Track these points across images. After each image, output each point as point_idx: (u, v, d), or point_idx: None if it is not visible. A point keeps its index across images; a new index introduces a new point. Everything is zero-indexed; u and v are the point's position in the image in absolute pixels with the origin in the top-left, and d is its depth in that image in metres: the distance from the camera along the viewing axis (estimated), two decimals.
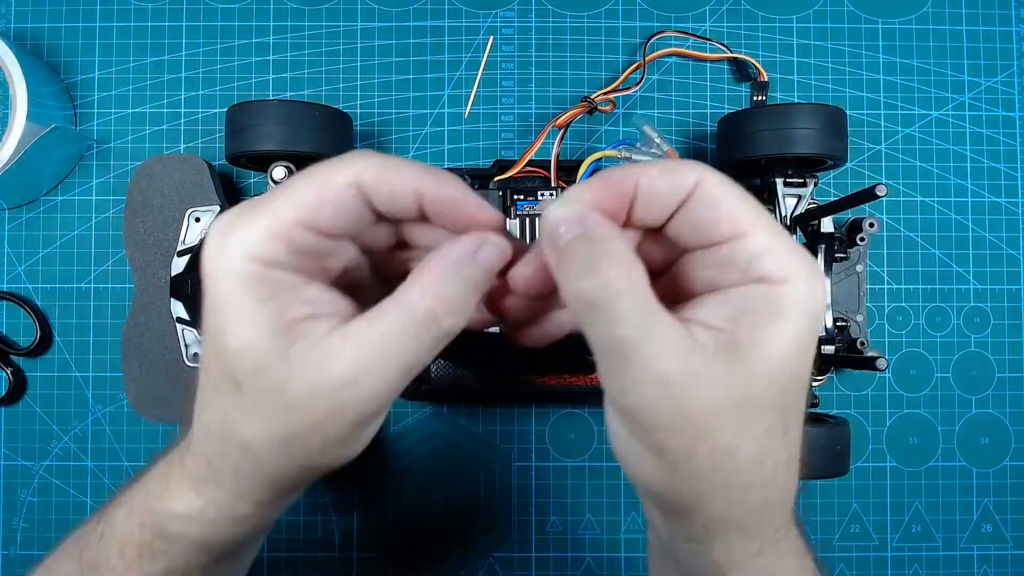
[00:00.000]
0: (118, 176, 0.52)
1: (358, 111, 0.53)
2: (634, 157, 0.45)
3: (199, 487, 0.26)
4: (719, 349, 0.23)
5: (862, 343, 0.49)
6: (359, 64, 0.53)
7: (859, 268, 0.50)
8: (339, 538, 0.51)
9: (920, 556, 0.52)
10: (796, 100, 0.53)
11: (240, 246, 0.23)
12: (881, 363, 0.40)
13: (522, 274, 0.26)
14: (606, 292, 0.22)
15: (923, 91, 0.53)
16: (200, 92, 0.53)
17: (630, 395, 0.22)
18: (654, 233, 0.26)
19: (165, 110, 0.53)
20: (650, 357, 0.22)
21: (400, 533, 0.52)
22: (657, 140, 0.45)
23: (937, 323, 0.53)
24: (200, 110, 0.53)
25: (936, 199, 0.53)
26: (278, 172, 0.47)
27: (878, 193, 0.38)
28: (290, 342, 0.23)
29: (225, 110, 0.47)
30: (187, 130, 0.52)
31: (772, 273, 0.23)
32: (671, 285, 0.26)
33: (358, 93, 0.53)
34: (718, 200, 0.24)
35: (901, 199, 0.53)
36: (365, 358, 0.23)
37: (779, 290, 0.23)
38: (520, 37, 0.53)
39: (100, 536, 0.28)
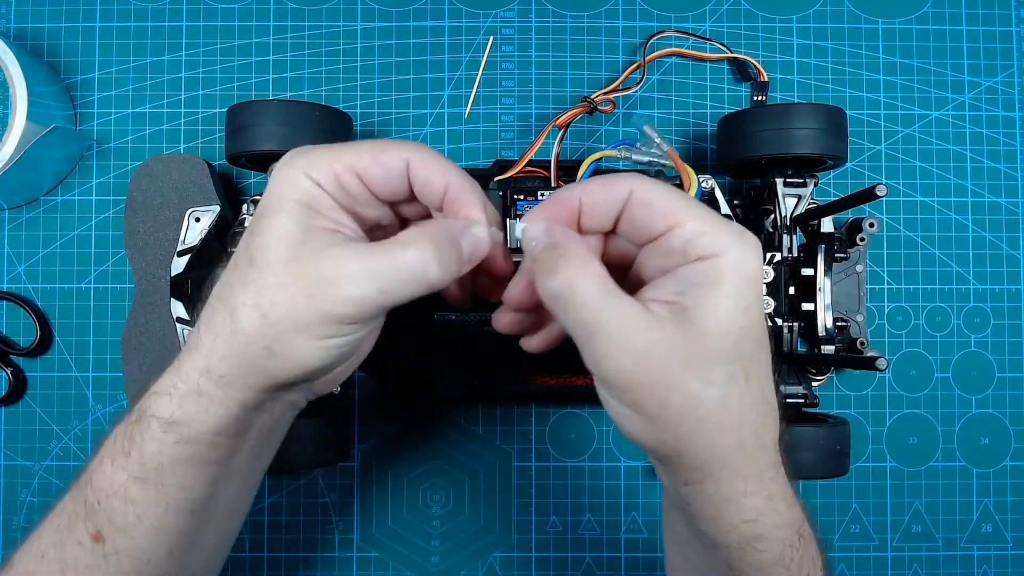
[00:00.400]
0: (118, 176, 0.52)
1: (358, 111, 0.53)
2: (634, 157, 0.45)
3: (177, 366, 0.30)
4: (673, 316, 0.27)
5: (862, 343, 0.49)
6: (359, 64, 0.53)
7: (859, 268, 0.50)
8: (339, 538, 0.51)
9: (920, 556, 0.52)
10: (796, 100, 0.53)
11: (302, 164, 0.29)
12: (881, 363, 0.40)
13: (514, 291, 0.32)
14: (567, 285, 0.27)
15: (923, 91, 0.53)
16: (200, 92, 0.53)
17: (603, 366, 0.27)
18: (615, 236, 0.31)
19: (165, 110, 0.53)
20: (613, 332, 0.26)
21: (400, 533, 0.52)
22: (657, 140, 0.45)
23: (937, 323, 0.53)
24: (200, 110, 0.53)
25: (936, 199, 0.53)
26: None
27: (878, 193, 0.38)
28: (309, 237, 0.29)
29: (225, 110, 0.47)
30: (187, 130, 0.53)
31: (706, 251, 0.27)
32: (637, 276, 0.31)
33: (358, 93, 0.53)
34: (650, 200, 0.29)
35: (901, 199, 0.53)
36: (354, 268, 0.28)
37: (715, 263, 0.27)
38: (520, 37, 0.53)
39: (99, 456, 0.31)
